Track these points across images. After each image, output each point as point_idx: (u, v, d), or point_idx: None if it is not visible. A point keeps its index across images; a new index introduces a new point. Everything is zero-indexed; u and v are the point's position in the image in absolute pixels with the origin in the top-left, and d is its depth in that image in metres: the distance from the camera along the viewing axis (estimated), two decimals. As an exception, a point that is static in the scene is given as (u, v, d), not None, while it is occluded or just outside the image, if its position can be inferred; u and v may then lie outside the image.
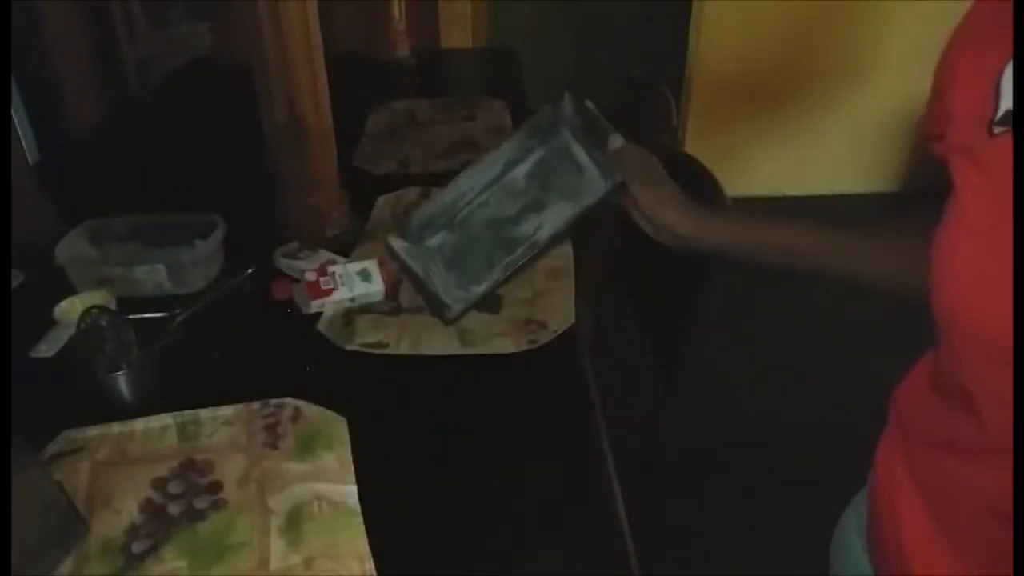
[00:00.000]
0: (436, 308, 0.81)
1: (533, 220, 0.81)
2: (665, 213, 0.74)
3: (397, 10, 1.88)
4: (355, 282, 0.91)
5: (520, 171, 0.82)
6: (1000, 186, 0.39)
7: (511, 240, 0.82)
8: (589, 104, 0.81)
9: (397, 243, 0.81)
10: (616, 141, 0.76)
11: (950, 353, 0.46)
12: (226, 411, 0.73)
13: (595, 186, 0.79)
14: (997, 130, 0.41)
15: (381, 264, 0.93)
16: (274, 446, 0.69)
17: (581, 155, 0.81)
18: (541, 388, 0.79)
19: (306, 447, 0.68)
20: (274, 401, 0.74)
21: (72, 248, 0.93)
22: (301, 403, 0.74)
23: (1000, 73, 0.41)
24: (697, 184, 1.11)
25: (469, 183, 0.83)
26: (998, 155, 0.40)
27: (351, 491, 0.64)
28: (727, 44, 2.61)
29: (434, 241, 0.82)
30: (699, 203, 0.75)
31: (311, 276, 0.90)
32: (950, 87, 0.46)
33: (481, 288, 0.81)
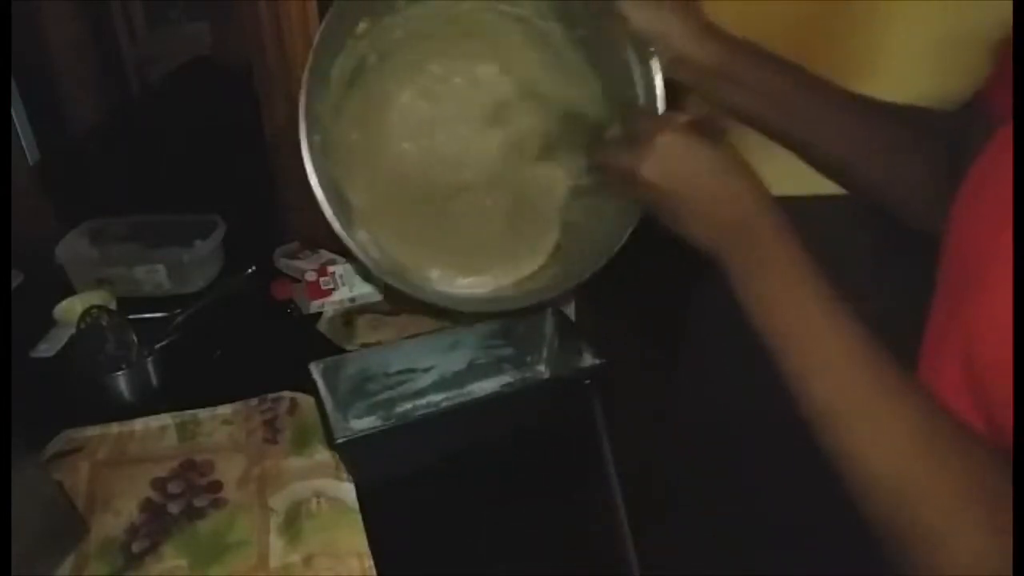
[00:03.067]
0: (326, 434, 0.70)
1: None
2: (669, 36, 0.62)
3: (397, 10, 1.88)
4: (355, 282, 0.91)
5: (484, 387, 0.77)
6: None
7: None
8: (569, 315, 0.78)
9: (315, 369, 0.70)
10: (588, 360, 0.72)
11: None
12: (225, 410, 0.73)
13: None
14: None
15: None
16: (273, 440, 0.69)
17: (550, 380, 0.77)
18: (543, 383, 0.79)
19: (303, 440, 0.69)
20: (271, 395, 0.74)
21: (72, 248, 0.93)
22: (297, 395, 0.74)
23: None
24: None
25: (419, 358, 0.75)
26: None
27: (349, 488, 0.64)
28: (727, 44, 2.61)
29: (361, 423, 0.72)
30: (711, 22, 0.65)
31: (311, 276, 0.91)
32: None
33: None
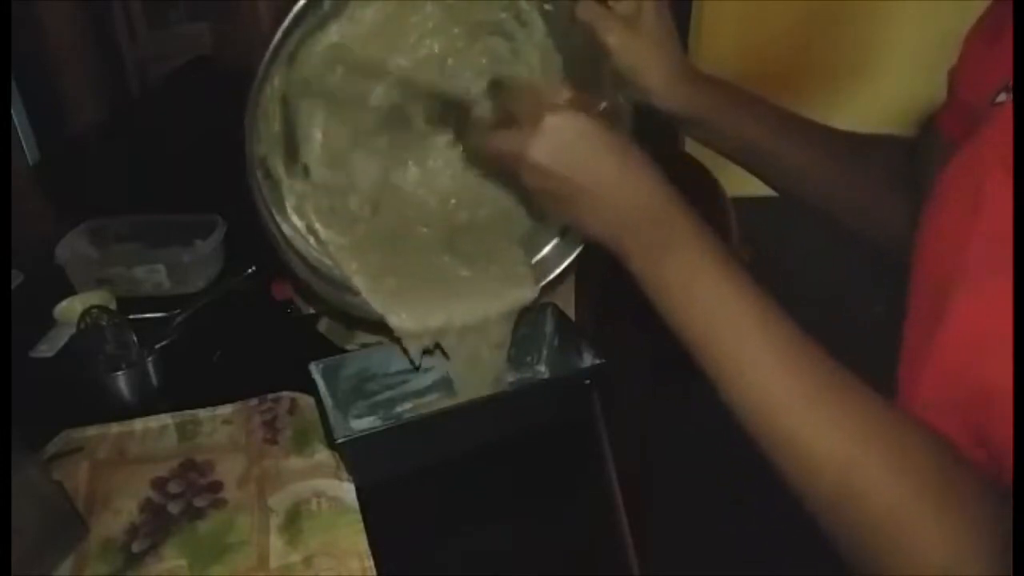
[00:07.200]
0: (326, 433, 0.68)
1: None
2: (647, 76, 0.62)
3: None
4: (355, 282, 0.91)
5: None
6: (981, 150, 0.39)
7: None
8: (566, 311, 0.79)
9: (315, 369, 0.69)
10: (588, 360, 0.71)
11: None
12: (225, 410, 0.73)
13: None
14: (998, 98, 0.41)
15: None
16: (273, 441, 0.69)
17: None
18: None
19: (303, 440, 0.69)
20: (271, 395, 0.74)
21: (72, 248, 0.93)
22: (297, 395, 0.74)
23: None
24: (697, 184, 1.11)
25: (418, 358, 0.73)
26: (992, 121, 0.39)
27: (349, 488, 0.64)
28: (727, 44, 2.60)
29: (361, 423, 0.72)
30: (691, 67, 0.64)
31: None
32: (961, 75, 0.47)
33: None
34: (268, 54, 0.55)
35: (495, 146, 0.52)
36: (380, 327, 0.69)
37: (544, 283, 0.72)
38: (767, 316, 0.43)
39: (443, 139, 0.72)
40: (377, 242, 0.71)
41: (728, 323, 0.44)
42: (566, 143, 0.48)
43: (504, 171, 0.54)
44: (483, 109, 0.58)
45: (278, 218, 0.65)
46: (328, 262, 0.68)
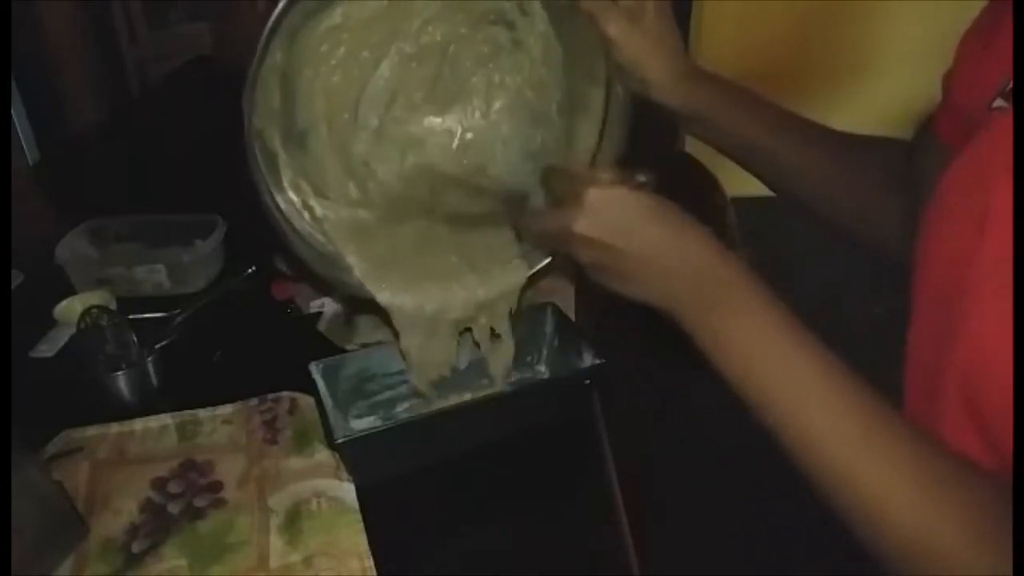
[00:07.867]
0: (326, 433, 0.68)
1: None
2: (647, 70, 0.62)
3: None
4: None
5: (483, 387, 0.76)
6: (984, 156, 0.39)
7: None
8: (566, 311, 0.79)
9: (315, 369, 0.70)
10: (588, 360, 0.71)
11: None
12: (225, 410, 0.73)
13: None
14: (996, 103, 0.41)
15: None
16: (273, 441, 0.69)
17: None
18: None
19: (304, 440, 0.69)
20: (271, 395, 0.74)
21: (72, 248, 0.93)
22: (297, 395, 0.74)
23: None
24: (697, 183, 1.11)
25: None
26: (989, 128, 0.39)
27: (349, 488, 0.64)
28: (727, 44, 2.60)
29: (361, 423, 0.72)
30: (692, 63, 0.65)
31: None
32: (956, 79, 0.47)
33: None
34: (271, 22, 0.55)
35: (546, 226, 0.55)
36: (378, 306, 0.69)
37: (538, 268, 0.72)
38: (832, 381, 0.43)
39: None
40: (377, 228, 0.71)
41: (793, 391, 0.43)
42: (610, 214, 0.49)
43: (560, 250, 0.57)
44: (538, 198, 0.62)
45: (274, 192, 0.65)
46: (322, 239, 0.68)
